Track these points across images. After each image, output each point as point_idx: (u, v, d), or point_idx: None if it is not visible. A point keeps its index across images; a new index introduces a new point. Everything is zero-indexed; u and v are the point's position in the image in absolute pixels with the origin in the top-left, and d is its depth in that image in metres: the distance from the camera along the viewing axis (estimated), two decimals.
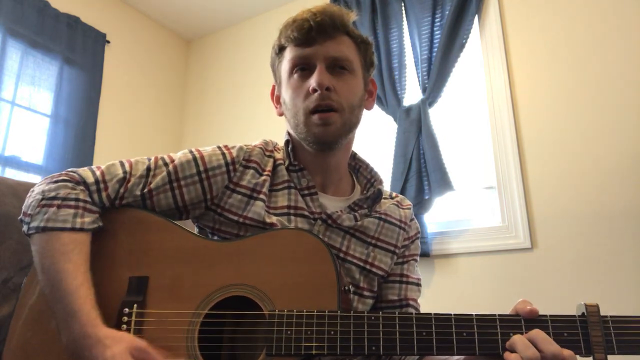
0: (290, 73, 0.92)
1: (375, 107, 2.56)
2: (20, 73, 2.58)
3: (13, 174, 2.47)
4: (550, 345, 0.64)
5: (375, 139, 2.73)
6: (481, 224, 2.31)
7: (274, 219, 0.88)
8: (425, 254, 2.24)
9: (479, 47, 2.48)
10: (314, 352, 0.70)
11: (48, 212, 0.81)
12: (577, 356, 0.66)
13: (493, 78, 2.38)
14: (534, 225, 2.13)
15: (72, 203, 0.82)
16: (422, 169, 2.33)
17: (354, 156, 1.04)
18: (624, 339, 0.66)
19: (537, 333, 0.66)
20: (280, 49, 0.95)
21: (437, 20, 2.51)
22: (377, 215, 0.97)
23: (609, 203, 1.99)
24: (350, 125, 0.92)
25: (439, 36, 2.47)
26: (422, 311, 0.93)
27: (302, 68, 0.90)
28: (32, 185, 1.15)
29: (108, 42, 3.06)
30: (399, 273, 0.98)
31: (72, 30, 2.83)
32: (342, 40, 0.91)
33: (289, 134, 0.97)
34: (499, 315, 0.69)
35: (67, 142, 2.70)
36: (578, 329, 0.67)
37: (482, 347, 0.68)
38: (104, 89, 2.98)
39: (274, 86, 1.01)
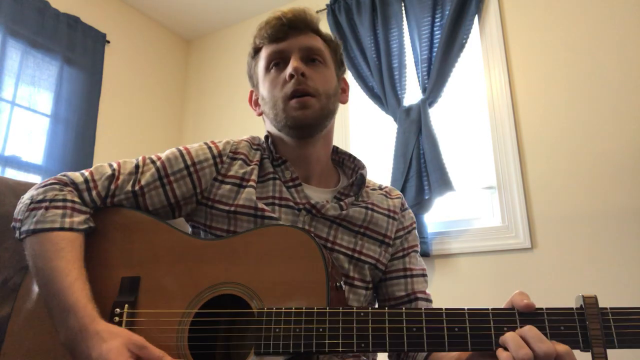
0: (267, 69, 0.96)
1: (375, 107, 2.58)
2: (20, 73, 2.58)
3: (13, 174, 2.47)
4: (541, 343, 0.61)
5: (375, 139, 2.73)
6: (481, 224, 2.31)
7: (264, 206, 0.89)
8: (425, 254, 2.24)
9: (479, 47, 2.48)
10: (302, 350, 0.70)
11: (36, 215, 0.81)
12: (577, 351, 0.64)
13: (493, 78, 2.38)
14: (534, 225, 2.13)
15: (60, 204, 0.83)
16: (422, 169, 2.33)
17: (336, 150, 1.07)
18: (624, 331, 0.62)
19: (529, 330, 0.62)
20: (256, 52, 1.00)
21: (437, 20, 2.51)
22: (364, 204, 0.97)
23: (609, 203, 1.99)
24: (328, 112, 0.95)
25: (439, 36, 2.46)
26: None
27: (277, 63, 0.95)
28: (32, 185, 1.15)
29: (108, 42, 3.06)
30: (402, 267, 0.97)
31: (72, 30, 2.83)
32: (312, 36, 0.97)
33: (268, 131, 1.01)
34: (492, 309, 0.67)
35: (67, 142, 2.70)
36: (576, 322, 0.64)
37: (474, 343, 0.66)
38: (104, 89, 2.98)
39: (251, 92, 1.05)
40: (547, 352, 0.60)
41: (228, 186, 0.91)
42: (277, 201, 0.92)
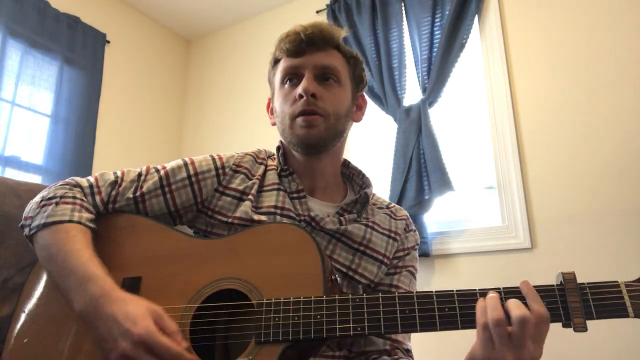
0: (282, 83, 0.97)
1: (375, 107, 2.58)
2: (20, 73, 2.58)
3: (13, 174, 2.47)
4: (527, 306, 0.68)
5: (375, 139, 2.73)
6: (481, 224, 2.31)
7: (261, 217, 0.91)
8: (425, 254, 2.24)
9: (479, 47, 2.48)
10: (301, 336, 0.73)
11: (47, 210, 0.85)
12: (559, 325, 0.68)
13: (493, 78, 2.38)
14: (534, 225, 2.12)
15: (70, 200, 0.87)
16: (422, 169, 2.33)
17: (348, 165, 1.07)
18: (602, 303, 0.68)
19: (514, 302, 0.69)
20: (275, 62, 1.01)
21: (437, 20, 2.51)
22: (365, 222, 0.97)
23: (609, 203, 1.99)
24: (335, 132, 0.95)
25: (439, 36, 2.46)
26: None
27: (292, 78, 0.96)
28: (32, 185, 1.15)
29: (108, 42, 3.06)
30: (388, 283, 0.97)
31: (72, 30, 2.83)
32: (331, 52, 0.97)
33: (280, 141, 1.02)
34: (479, 289, 0.72)
35: (67, 142, 2.70)
36: (557, 297, 0.70)
37: (464, 322, 0.70)
38: (104, 89, 2.98)
39: (269, 98, 1.06)
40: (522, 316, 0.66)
41: (228, 198, 0.93)
42: (279, 211, 0.93)
